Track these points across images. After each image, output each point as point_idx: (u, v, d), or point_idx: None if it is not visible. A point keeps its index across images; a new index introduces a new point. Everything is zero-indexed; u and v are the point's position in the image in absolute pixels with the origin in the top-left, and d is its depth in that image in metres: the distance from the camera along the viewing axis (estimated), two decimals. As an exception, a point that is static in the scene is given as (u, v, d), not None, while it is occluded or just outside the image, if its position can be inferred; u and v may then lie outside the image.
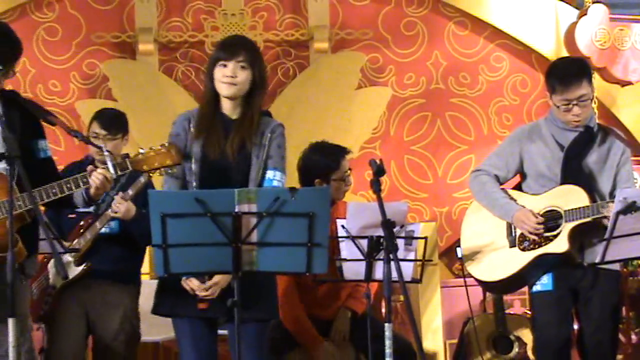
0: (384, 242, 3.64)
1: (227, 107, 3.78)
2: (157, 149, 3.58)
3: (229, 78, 3.72)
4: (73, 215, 4.62)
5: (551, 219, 4.24)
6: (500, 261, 4.37)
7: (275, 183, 3.74)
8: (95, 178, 3.56)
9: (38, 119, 3.72)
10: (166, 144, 3.62)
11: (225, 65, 3.73)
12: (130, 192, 4.48)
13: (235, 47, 3.78)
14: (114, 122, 4.81)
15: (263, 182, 3.75)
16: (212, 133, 3.74)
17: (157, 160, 3.57)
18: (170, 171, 3.64)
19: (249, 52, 3.78)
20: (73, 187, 3.56)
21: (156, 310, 3.80)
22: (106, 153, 3.59)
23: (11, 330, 3.20)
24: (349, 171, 4.86)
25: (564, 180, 4.26)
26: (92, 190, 3.61)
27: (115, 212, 4.49)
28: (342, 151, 4.85)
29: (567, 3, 7.55)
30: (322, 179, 4.74)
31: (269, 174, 3.75)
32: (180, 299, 3.69)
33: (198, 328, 3.74)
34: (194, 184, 3.73)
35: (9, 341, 3.21)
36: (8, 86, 3.83)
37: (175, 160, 3.58)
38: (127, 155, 4.67)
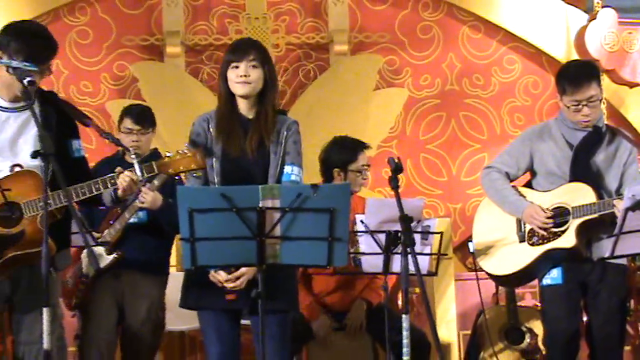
0: (401, 237, 3.65)
1: (243, 107, 3.80)
2: (183, 153, 3.59)
3: (243, 77, 3.73)
4: (103, 208, 4.64)
5: (559, 215, 4.23)
6: (510, 256, 4.36)
7: (293, 178, 3.76)
8: (122, 180, 3.57)
9: (73, 120, 3.74)
10: (191, 148, 3.63)
11: (237, 67, 3.74)
12: (156, 182, 4.48)
13: (245, 48, 3.80)
14: (145, 117, 4.86)
15: (281, 177, 3.76)
16: (232, 132, 3.76)
17: (183, 163, 3.59)
18: (196, 174, 3.65)
19: (259, 52, 3.80)
20: (101, 188, 3.58)
21: (184, 303, 3.82)
22: (133, 156, 3.61)
23: (45, 318, 3.21)
24: (367, 165, 4.86)
25: (573, 178, 4.25)
26: (119, 192, 3.63)
27: (142, 202, 4.50)
28: (360, 145, 4.89)
29: (577, 7, 7.53)
30: (340, 169, 4.78)
31: (287, 169, 3.77)
32: (207, 291, 3.70)
33: (222, 320, 3.76)
34: (216, 180, 3.74)
35: (43, 329, 3.23)
36: (43, 87, 3.86)
37: (199, 165, 3.59)
38: (154, 152, 4.70)
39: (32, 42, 3.61)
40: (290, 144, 3.80)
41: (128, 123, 4.82)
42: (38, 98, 3.62)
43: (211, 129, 3.78)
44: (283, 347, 3.72)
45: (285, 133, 3.80)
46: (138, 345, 4.76)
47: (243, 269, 3.63)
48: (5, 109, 3.68)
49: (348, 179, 4.77)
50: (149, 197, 4.47)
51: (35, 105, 3.59)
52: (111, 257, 4.59)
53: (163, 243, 4.82)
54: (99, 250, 4.56)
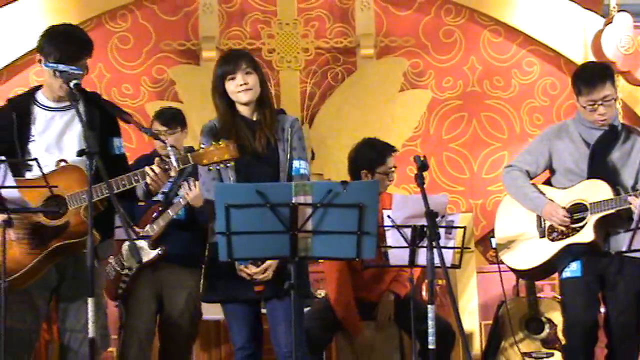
0: (427, 231, 3.64)
1: (246, 112, 3.85)
2: (217, 145, 3.59)
3: (244, 86, 3.78)
4: (143, 203, 4.67)
5: (577, 212, 4.20)
6: (531, 251, 4.34)
7: (302, 171, 3.81)
8: (149, 171, 3.58)
9: (115, 119, 3.76)
10: (224, 140, 3.63)
11: (234, 78, 3.79)
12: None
13: (236, 59, 3.85)
14: (171, 119, 4.91)
15: (291, 171, 3.80)
16: (241, 135, 3.79)
17: (216, 154, 3.58)
18: (229, 165, 3.65)
19: (249, 60, 3.86)
20: (140, 179, 3.59)
21: (209, 298, 3.85)
22: (169, 148, 3.61)
23: (90, 308, 3.22)
24: (393, 168, 4.84)
25: (590, 175, 4.22)
26: (150, 184, 3.63)
27: (186, 194, 4.51)
28: (389, 149, 4.87)
29: (593, 12, 7.47)
30: (368, 170, 4.76)
31: (295, 163, 3.82)
32: (233, 285, 3.72)
33: (247, 310, 3.79)
34: (232, 178, 3.76)
35: (88, 317, 3.24)
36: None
37: (232, 155, 3.59)
38: (189, 150, 4.71)
39: (63, 43, 3.62)
40: (296, 140, 3.84)
41: (156, 125, 4.92)
42: (83, 99, 3.64)
43: (220, 132, 3.81)
44: (301, 328, 3.72)
45: (289, 130, 3.84)
46: (177, 335, 4.78)
47: (268, 262, 3.65)
48: (51, 109, 3.70)
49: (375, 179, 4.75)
50: (192, 193, 4.50)
51: (81, 105, 3.61)
52: (155, 252, 4.62)
53: (198, 237, 4.83)
54: (141, 243, 4.58)
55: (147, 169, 3.57)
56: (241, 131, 3.79)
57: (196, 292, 4.77)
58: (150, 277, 4.72)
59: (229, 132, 3.78)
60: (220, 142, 3.60)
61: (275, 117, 3.84)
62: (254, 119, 3.84)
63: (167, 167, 3.57)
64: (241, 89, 3.77)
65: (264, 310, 3.84)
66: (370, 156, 4.78)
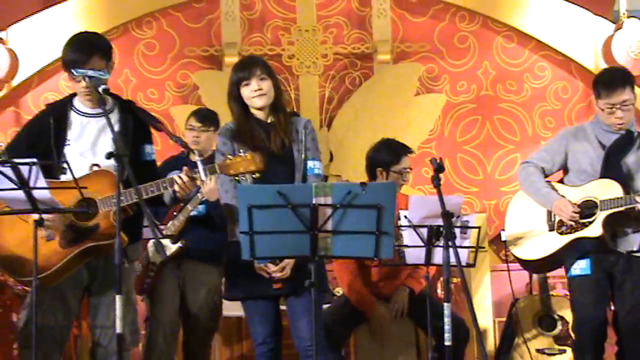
0: (443, 231, 3.63)
1: (260, 115, 3.85)
2: (244, 156, 3.59)
3: (258, 91, 3.79)
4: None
5: (587, 208, 4.19)
6: (539, 243, 4.35)
7: (316, 171, 3.83)
8: (177, 178, 3.58)
9: (148, 126, 3.77)
10: (251, 152, 3.63)
11: (248, 84, 3.80)
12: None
13: (250, 65, 3.86)
14: (207, 118, 4.95)
15: (306, 171, 3.81)
16: (256, 137, 3.80)
17: (243, 165, 3.58)
18: (255, 176, 3.65)
19: (263, 66, 3.87)
20: (168, 186, 3.59)
21: (231, 297, 3.86)
22: (198, 158, 3.62)
23: (118, 305, 3.24)
24: (408, 168, 4.83)
25: (603, 176, 4.20)
26: (177, 191, 3.63)
27: (203, 189, 4.51)
28: (404, 149, 4.86)
29: (603, 18, 7.44)
30: (383, 169, 4.77)
31: (310, 164, 3.83)
32: (253, 282, 3.72)
33: (266, 306, 3.80)
34: (249, 180, 3.75)
35: (116, 314, 3.26)
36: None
37: (258, 167, 3.58)
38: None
39: (71, 47, 3.65)
40: (310, 140, 3.85)
41: (192, 121, 4.96)
42: (118, 106, 3.67)
43: (235, 142, 3.82)
44: (319, 322, 3.72)
45: (303, 131, 3.86)
46: (197, 327, 4.80)
47: (286, 260, 3.66)
48: (87, 115, 3.72)
49: (390, 179, 4.75)
50: (207, 187, 4.49)
51: (115, 112, 3.64)
52: (175, 246, 4.64)
53: (220, 235, 4.83)
54: (164, 241, 4.60)
55: (175, 177, 3.58)
56: (256, 133, 3.81)
57: (216, 287, 4.80)
58: (174, 272, 4.74)
59: (244, 134, 3.79)
60: (247, 154, 3.60)
61: (289, 120, 3.86)
62: (268, 121, 3.85)
63: (194, 176, 3.58)
64: (255, 94, 3.79)
65: (283, 307, 3.85)
66: (386, 155, 4.79)
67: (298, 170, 3.79)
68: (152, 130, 3.88)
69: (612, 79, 4.24)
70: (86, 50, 3.63)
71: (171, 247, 4.66)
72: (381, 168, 4.78)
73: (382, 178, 4.76)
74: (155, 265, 4.71)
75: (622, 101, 4.17)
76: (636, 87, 7.03)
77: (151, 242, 4.68)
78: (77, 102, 3.75)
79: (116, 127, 3.54)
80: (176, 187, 3.58)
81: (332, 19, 7.46)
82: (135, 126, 3.70)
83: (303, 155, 3.81)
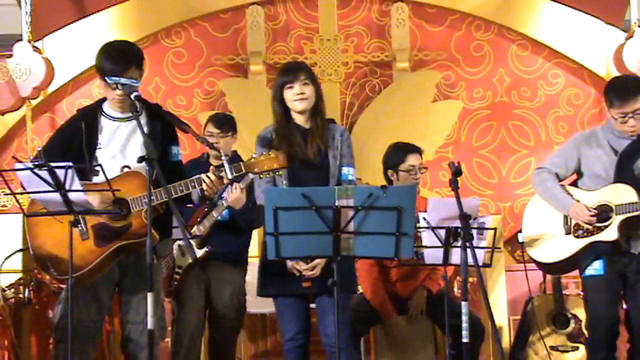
0: (461, 232, 3.61)
1: (300, 120, 3.85)
2: (267, 155, 3.59)
3: (300, 95, 3.78)
4: (190, 205, 4.68)
5: (603, 212, 4.15)
6: (557, 246, 4.31)
7: (350, 177, 3.82)
8: (205, 178, 3.59)
9: (174, 128, 3.77)
10: (274, 150, 3.63)
11: (292, 87, 3.79)
12: (241, 185, 4.51)
13: (295, 70, 3.86)
14: (225, 123, 4.91)
15: (341, 177, 3.79)
16: (294, 141, 3.79)
17: (267, 164, 3.59)
18: (278, 173, 3.65)
19: (307, 71, 3.86)
20: (196, 185, 3.60)
21: (264, 293, 3.85)
22: (224, 158, 3.62)
23: (149, 302, 3.25)
24: (418, 166, 4.78)
25: (616, 181, 4.17)
26: (205, 190, 3.63)
27: (229, 197, 4.51)
28: (409, 147, 4.85)
29: (615, 27, 7.38)
30: (393, 170, 4.76)
31: (344, 170, 3.82)
32: (285, 280, 3.72)
33: (296, 304, 3.79)
34: (284, 183, 3.75)
35: (148, 310, 3.26)
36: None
37: (281, 164, 3.59)
38: (235, 154, 4.72)
39: (110, 57, 3.65)
40: (345, 148, 3.84)
41: (210, 127, 4.91)
42: (145, 109, 3.67)
43: (274, 142, 3.80)
44: (345, 321, 3.71)
45: (339, 139, 3.84)
46: (223, 326, 4.79)
47: (317, 260, 3.65)
48: (116, 119, 3.73)
49: (400, 179, 4.75)
50: (233, 196, 4.50)
51: (144, 116, 3.64)
52: (202, 251, 4.63)
53: (242, 238, 4.84)
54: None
55: (203, 176, 3.58)
56: (294, 138, 3.80)
57: (240, 287, 4.79)
58: (199, 275, 4.73)
59: (282, 139, 3.79)
60: (270, 152, 3.60)
61: (327, 126, 3.85)
62: (307, 127, 3.84)
63: (221, 175, 3.58)
64: (297, 97, 3.79)
65: (312, 305, 3.84)
66: (393, 156, 4.80)
67: (333, 176, 3.78)
68: (179, 134, 3.89)
69: (625, 88, 4.18)
70: (124, 61, 3.65)
71: (198, 252, 4.65)
72: (391, 170, 4.79)
73: (394, 179, 4.76)
74: (180, 268, 4.71)
75: (635, 110, 4.12)
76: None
77: (176, 245, 4.67)
78: (106, 107, 3.77)
79: (145, 130, 3.55)
80: (204, 186, 3.59)
81: (353, 29, 7.46)
82: (162, 128, 3.70)
83: (338, 162, 3.79)
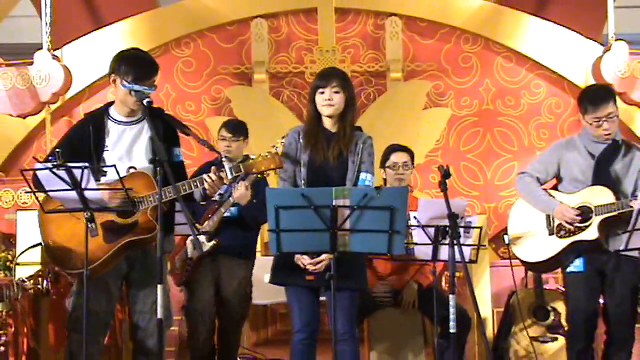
0: (449, 231, 3.60)
1: (328, 124, 3.78)
2: (264, 156, 3.59)
3: (328, 101, 3.72)
4: (204, 204, 4.68)
5: (583, 213, 4.14)
6: (540, 246, 4.29)
7: (367, 183, 3.74)
8: (207, 177, 3.58)
9: (176, 131, 3.75)
10: (271, 152, 3.62)
11: (323, 92, 3.73)
12: (246, 183, 4.51)
13: (329, 76, 3.78)
14: (237, 128, 4.89)
15: (358, 182, 3.74)
16: (318, 144, 3.75)
17: (264, 164, 3.58)
18: (275, 173, 3.63)
19: (340, 80, 3.77)
20: (199, 185, 3.59)
21: (274, 280, 3.82)
22: (224, 159, 3.62)
23: (160, 294, 3.25)
24: (399, 163, 4.75)
25: (594, 183, 4.16)
26: (207, 189, 3.62)
27: (235, 194, 4.50)
28: (395, 148, 4.81)
29: (594, 41, 7.40)
30: (382, 168, 4.76)
31: (362, 175, 3.74)
32: (292, 271, 3.70)
33: (305, 295, 3.73)
34: (302, 182, 3.73)
35: (158, 301, 3.26)
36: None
37: (277, 165, 3.58)
38: (246, 158, 4.71)
39: (137, 65, 3.63)
40: (366, 155, 3.77)
41: (224, 132, 4.89)
42: (150, 114, 3.63)
43: (301, 140, 3.78)
44: (351, 317, 3.69)
45: (361, 146, 3.76)
46: (231, 314, 4.78)
47: (323, 256, 3.62)
48: (122, 123, 3.70)
49: (387, 175, 4.75)
50: (238, 192, 4.49)
51: (147, 120, 3.60)
52: (211, 244, 4.63)
53: (250, 233, 4.84)
54: (201, 238, 4.60)
55: (205, 176, 3.57)
56: (320, 139, 3.75)
57: (247, 278, 4.78)
58: (209, 266, 4.73)
59: (310, 137, 3.75)
60: (267, 154, 3.58)
61: (352, 133, 3.77)
62: (334, 131, 3.77)
63: (222, 175, 3.57)
64: (325, 103, 3.72)
65: (323, 298, 3.80)
66: (382, 157, 4.79)
67: (350, 180, 3.71)
68: (188, 140, 3.87)
69: (597, 96, 4.18)
70: (154, 68, 3.67)
71: (207, 245, 4.65)
72: (382, 169, 4.80)
73: (384, 176, 4.77)
74: (192, 260, 4.71)
75: (608, 114, 4.12)
76: (620, 102, 7.11)
77: (190, 239, 4.68)
78: (113, 111, 3.73)
79: (149, 133, 3.53)
80: (206, 185, 3.57)
81: (350, 41, 7.46)
82: (164, 131, 3.67)
83: (357, 167, 3.74)
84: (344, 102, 3.74)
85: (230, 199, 4.57)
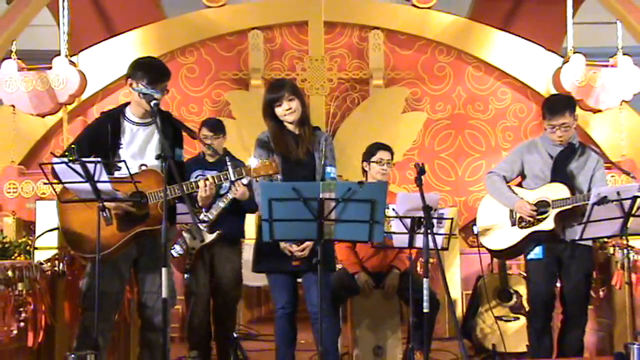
0: (424, 221, 3.60)
1: (290, 127, 3.80)
2: (264, 162, 3.58)
3: (289, 110, 3.72)
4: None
5: (542, 206, 4.16)
6: (504, 236, 4.30)
7: (332, 175, 3.78)
8: (201, 183, 3.53)
9: (180, 132, 3.74)
10: (270, 159, 3.62)
11: (280, 104, 3.73)
12: (243, 182, 4.49)
13: (279, 88, 3.77)
14: (216, 127, 4.80)
15: (325, 175, 3.76)
16: (288, 146, 3.76)
17: (263, 170, 3.57)
18: (272, 179, 3.62)
19: (290, 88, 3.77)
20: (198, 186, 3.56)
21: (257, 269, 3.82)
22: (229, 163, 3.58)
23: (164, 276, 3.24)
24: (384, 159, 4.73)
25: (553, 180, 4.18)
26: (200, 193, 3.56)
27: (235, 194, 4.49)
28: (381, 146, 4.76)
29: (554, 53, 7.43)
30: (367, 162, 4.73)
31: (328, 169, 3.79)
32: (277, 259, 3.70)
33: (286, 279, 3.76)
34: (279, 178, 3.73)
35: (163, 283, 3.25)
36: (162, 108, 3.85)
37: (275, 170, 3.58)
38: (227, 152, 4.67)
39: (152, 70, 3.62)
40: (328, 151, 3.80)
41: (204, 131, 4.77)
42: (159, 115, 3.62)
43: (271, 144, 3.77)
44: (327, 293, 3.69)
45: (323, 143, 3.80)
46: (224, 295, 4.76)
47: (307, 243, 3.63)
48: (136, 123, 3.69)
49: (371, 169, 4.73)
50: (239, 192, 4.47)
51: (157, 120, 3.58)
52: (214, 234, 4.60)
53: (239, 222, 4.81)
54: (202, 228, 4.58)
55: (200, 183, 3.52)
56: (288, 142, 3.76)
57: (238, 262, 4.76)
58: (206, 254, 4.71)
59: (280, 144, 3.75)
60: (266, 160, 3.57)
61: (312, 132, 3.80)
62: (297, 132, 3.79)
63: (225, 177, 3.55)
64: (287, 112, 3.73)
65: (299, 280, 3.82)
66: (367, 151, 4.77)
67: (318, 174, 3.74)
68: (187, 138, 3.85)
69: (555, 105, 4.20)
70: (166, 74, 3.65)
71: (209, 236, 4.62)
72: (365, 162, 4.77)
73: (368, 169, 4.75)
74: (194, 249, 4.69)
75: (561, 124, 4.14)
76: (578, 108, 7.14)
77: (185, 233, 4.64)
78: (128, 112, 3.70)
79: (159, 134, 3.52)
80: (201, 183, 3.52)
81: (337, 51, 7.46)
82: (172, 133, 3.66)
83: (322, 162, 3.76)
84: (300, 106, 3.74)
85: (229, 194, 4.55)
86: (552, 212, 4.11)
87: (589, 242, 4.15)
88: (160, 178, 3.47)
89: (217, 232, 4.58)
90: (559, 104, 4.20)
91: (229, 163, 3.58)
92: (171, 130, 3.66)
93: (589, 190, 4.06)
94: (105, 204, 3.40)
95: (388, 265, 4.76)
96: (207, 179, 3.54)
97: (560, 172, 4.15)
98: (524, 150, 4.31)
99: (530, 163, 4.25)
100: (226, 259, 4.70)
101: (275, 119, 3.78)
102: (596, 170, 4.18)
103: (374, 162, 4.75)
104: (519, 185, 4.34)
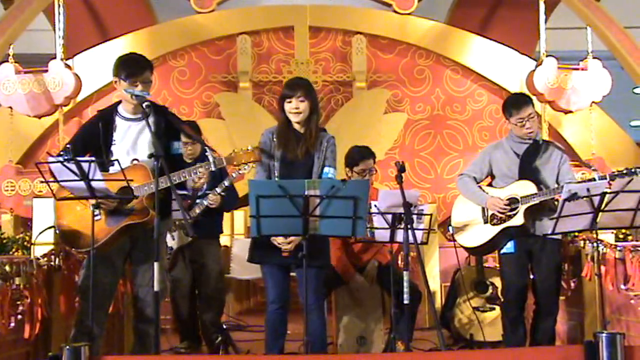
0: (404, 217, 3.61)
1: (297, 126, 3.76)
2: (244, 150, 3.55)
3: (295, 109, 3.69)
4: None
5: (512, 203, 4.17)
6: (477, 233, 4.30)
7: (330, 175, 3.71)
8: (201, 168, 3.55)
9: (176, 126, 3.71)
10: (250, 147, 3.59)
11: (290, 101, 3.70)
12: (226, 183, 4.48)
13: (295, 87, 3.72)
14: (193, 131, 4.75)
15: (322, 175, 3.72)
16: (289, 143, 3.72)
17: (244, 158, 3.54)
18: (252, 166, 3.58)
19: (305, 89, 3.72)
20: (189, 175, 3.55)
21: (251, 259, 3.80)
22: (208, 153, 3.54)
23: (156, 269, 3.21)
24: (366, 170, 4.70)
25: (520, 178, 4.19)
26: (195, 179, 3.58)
27: (211, 204, 4.48)
28: (364, 155, 4.69)
29: (528, 56, 7.47)
30: (349, 169, 4.68)
31: (326, 169, 3.72)
32: (268, 251, 3.68)
33: (278, 272, 3.72)
34: (276, 174, 3.71)
35: (154, 276, 3.22)
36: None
37: (255, 158, 3.54)
38: (203, 152, 4.64)
39: (127, 65, 3.59)
40: (329, 152, 3.74)
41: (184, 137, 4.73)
42: (153, 110, 3.58)
43: (274, 139, 3.76)
44: (318, 291, 3.69)
45: (325, 144, 3.74)
46: (208, 286, 4.75)
47: (293, 237, 3.62)
48: (128, 119, 3.66)
49: (354, 177, 4.68)
50: (217, 202, 4.48)
51: (151, 115, 3.52)
52: (190, 238, 4.62)
53: (217, 220, 4.79)
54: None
55: (199, 168, 3.54)
56: (290, 139, 3.71)
57: (219, 255, 4.78)
58: (187, 251, 4.71)
59: (282, 138, 3.71)
60: (248, 148, 3.55)
61: (318, 134, 3.73)
62: (302, 132, 3.74)
63: (207, 166, 3.53)
64: (293, 111, 3.68)
65: (293, 274, 3.80)
66: (350, 158, 4.71)
67: (315, 173, 3.68)
68: None
69: (517, 100, 4.24)
70: (142, 65, 3.60)
71: (186, 239, 4.64)
72: (348, 168, 4.72)
73: (350, 176, 4.72)
74: (172, 249, 4.69)
75: (528, 114, 4.15)
76: (549, 108, 7.19)
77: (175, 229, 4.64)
78: (121, 109, 3.68)
79: (152, 128, 3.49)
80: (198, 175, 3.53)
81: (322, 54, 7.47)
82: (166, 126, 3.63)
83: (321, 162, 3.71)
84: (309, 109, 3.70)
85: (204, 202, 4.53)
86: (522, 208, 4.13)
87: (559, 236, 4.17)
88: (147, 172, 3.45)
89: (192, 236, 4.55)
90: (520, 99, 4.26)
91: (208, 153, 3.54)
92: (165, 124, 3.61)
93: (557, 184, 4.09)
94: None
95: (370, 259, 4.77)
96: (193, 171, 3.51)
97: (527, 168, 4.16)
98: (490, 151, 4.33)
99: (498, 162, 4.27)
100: (207, 253, 4.71)
101: (285, 114, 3.74)
102: (561, 164, 4.20)
103: (357, 172, 4.70)
104: (489, 185, 4.36)
